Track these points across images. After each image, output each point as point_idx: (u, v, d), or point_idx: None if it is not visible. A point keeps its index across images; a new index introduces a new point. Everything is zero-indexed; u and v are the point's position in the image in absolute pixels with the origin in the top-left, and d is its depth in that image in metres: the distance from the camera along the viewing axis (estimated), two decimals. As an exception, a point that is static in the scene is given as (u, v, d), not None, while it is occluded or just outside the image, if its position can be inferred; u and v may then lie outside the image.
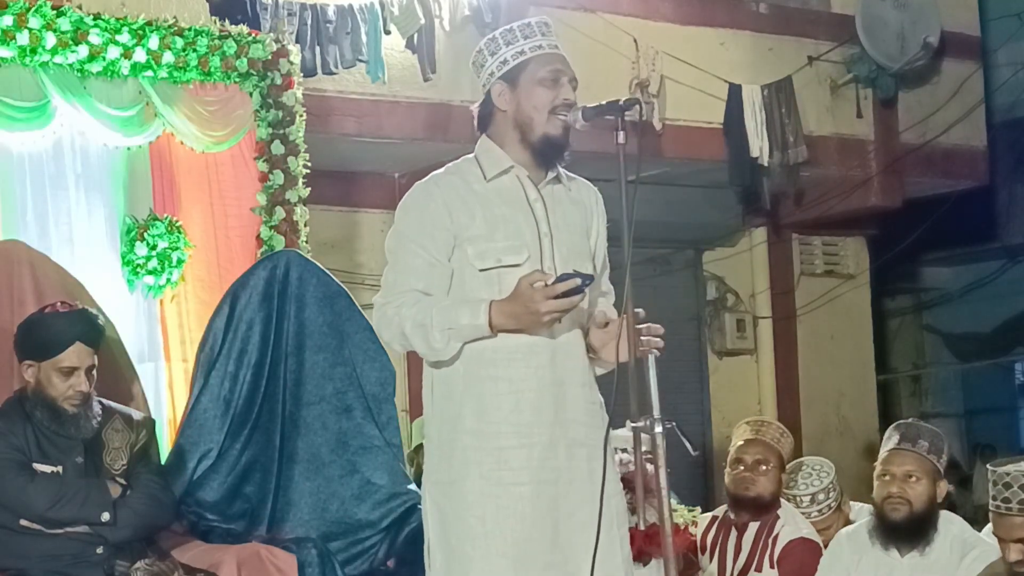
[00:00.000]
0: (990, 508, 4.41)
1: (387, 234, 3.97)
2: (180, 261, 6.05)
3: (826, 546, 5.37)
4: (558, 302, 3.59)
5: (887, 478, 4.90)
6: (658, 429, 3.64)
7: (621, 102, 3.74)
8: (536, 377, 3.76)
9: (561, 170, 3.91)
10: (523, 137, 3.83)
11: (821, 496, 5.67)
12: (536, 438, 3.75)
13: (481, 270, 3.77)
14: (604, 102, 3.79)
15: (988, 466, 4.50)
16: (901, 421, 5.09)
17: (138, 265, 5.96)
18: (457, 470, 3.75)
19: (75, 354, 4.74)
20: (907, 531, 4.86)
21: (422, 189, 3.86)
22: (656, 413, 3.64)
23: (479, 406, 3.75)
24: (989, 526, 5.10)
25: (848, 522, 5.67)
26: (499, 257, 3.76)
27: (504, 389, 3.75)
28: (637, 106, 3.73)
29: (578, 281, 3.58)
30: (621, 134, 3.69)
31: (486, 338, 3.71)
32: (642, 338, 3.68)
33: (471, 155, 3.91)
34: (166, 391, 5.96)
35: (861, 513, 5.69)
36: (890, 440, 4.97)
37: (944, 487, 4.89)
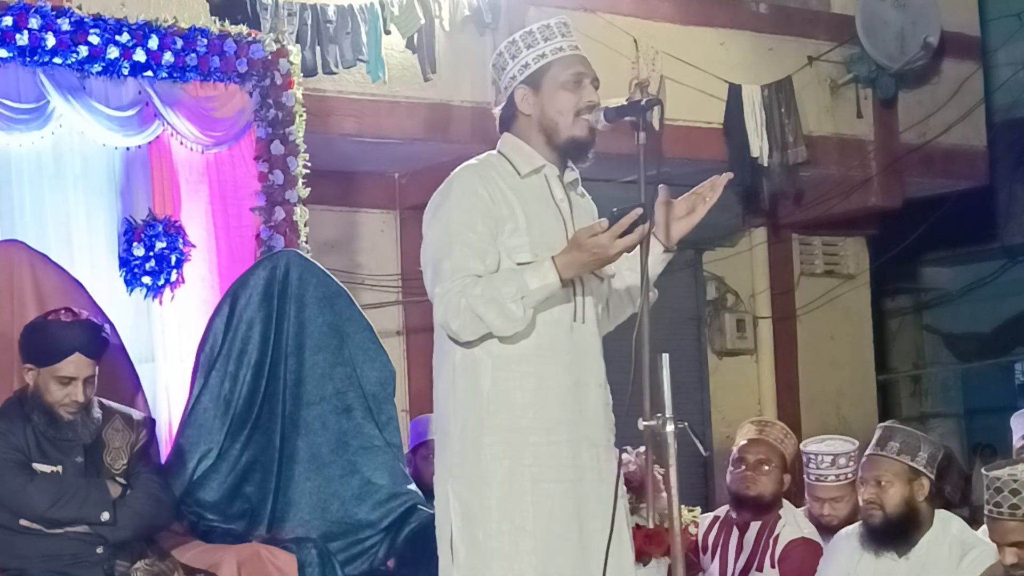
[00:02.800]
0: (984, 513, 4.42)
1: (425, 226, 3.90)
2: (179, 261, 6.04)
3: (837, 522, 5.39)
4: (627, 238, 3.60)
5: (863, 484, 4.93)
6: (670, 428, 3.64)
7: (643, 102, 3.75)
8: (562, 375, 3.79)
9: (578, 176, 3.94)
10: (548, 140, 3.86)
11: (843, 460, 5.59)
12: (562, 436, 3.78)
13: (518, 264, 3.76)
14: (625, 102, 3.81)
15: (982, 471, 4.51)
16: (882, 424, 5.09)
17: (135, 266, 5.95)
18: (485, 466, 3.76)
19: (73, 365, 4.74)
20: (886, 535, 4.87)
21: (461, 178, 3.85)
22: (668, 413, 3.64)
23: (507, 402, 3.76)
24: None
25: (857, 505, 5.68)
26: (536, 251, 3.77)
27: (532, 386, 3.77)
28: (659, 107, 3.74)
29: (640, 210, 3.58)
30: (643, 135, 3.69)
31: (557, 293, 3.70)
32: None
33: (494, 152, 3.92)
34: (163, 391, 5.94)
35: None
36: (870, 444, 4.99)
37: (926, 484, 4.88)
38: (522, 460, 3.75)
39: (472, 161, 3.91)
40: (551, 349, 3.78)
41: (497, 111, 3.96)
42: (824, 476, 5.58)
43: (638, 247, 3.70)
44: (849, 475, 5.60)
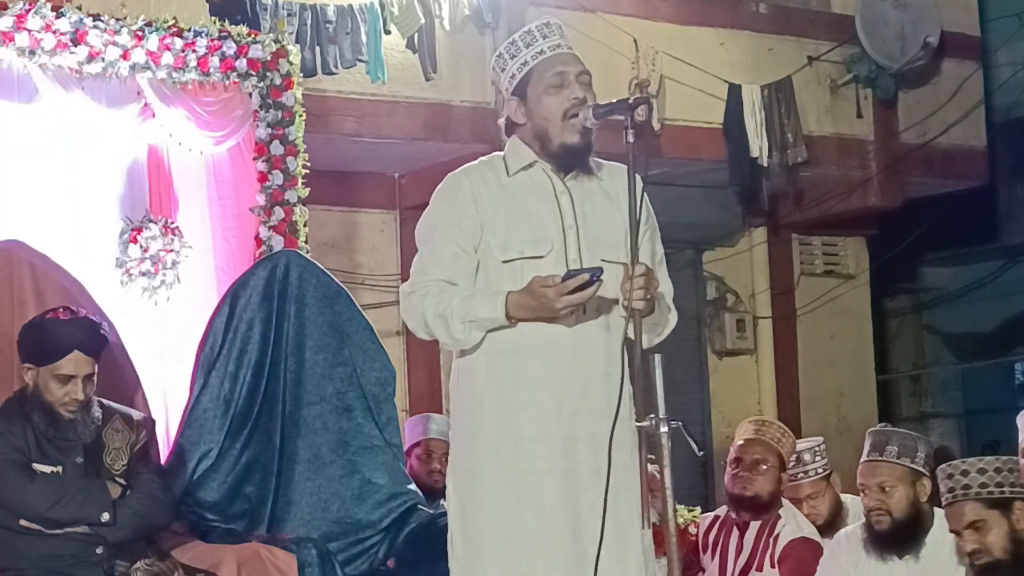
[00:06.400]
0: (943, 506, 4.49)
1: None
2: (175, 263, 6.03)
3: (821, 520, 5.45)
4: (572, 297, 3.61)
5: (865, 491, 4.92)
6: (663, 429, 3.63)
7: (630, 100, 3.73)
8: (558, 370, 3.79)
9: (591, 161, 3.91)
10: (543, 146, 3.86)
11: (807, 457, 5.67)
12: (556, 430, 3.78)
13: (504, 262, 3.81)
14: (614, 100, 3.78)
15: (937, 471, 4.59)
16: (872, 428, 5.09)
17: (131, 267, 5.94)
18: (477, 460, 3.80)
19: (73, 363, 4.73)
20: (895, 539, 4.87)
21: (452, 180, 3.90)
22: (661, 413, 3.64)
23: (499, 397, 3.79)
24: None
25: (838, 500, 5.71)
26: (521, 249, 3.79)
27: (524, 380, 3.78)
28: (645, 105, 3.73)
29: (586, 276, 3.60)
30: (631, 133, 3.68)
31: (508, 327, 3.73)
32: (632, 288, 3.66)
33: (501, 152, 3.95)
34: (163, 391, 5.94)
35: (856, 506, 5.72)
36: (864, 451, 4.99)
37: (927, 485, 4.89)
38: (513, 454, 3.77)
39: (470, 163, 3.95)
40: (547, 343, 3.78)
41: (501, 122, 3.99)
42: (793, 475, 5.63)
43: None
44: (819, 470, 5.68)
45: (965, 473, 4.39)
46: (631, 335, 3.67)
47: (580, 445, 3.79)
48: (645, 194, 3.86)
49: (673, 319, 3.94)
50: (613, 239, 3.87)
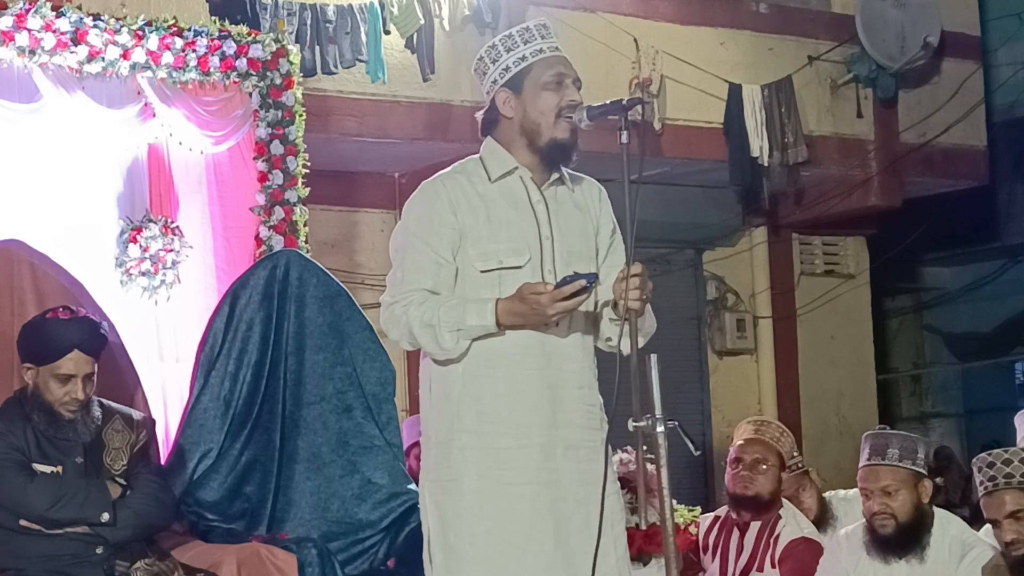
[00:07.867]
0: (980, 495, 4.46)
1: (392, 233, 3.97)
2: (175, 263, 6.02)
3: (811, 516, 5.46)
4: (565, 304, 3.61)
5: (868, 495, 4.91)
6: (660, 429, 3.63)
7: (624, 101, 3.74)
8: (534, 379, 3.78)
9: (564, 171, 3.91)
10: (530, 142, 3.85)
11: None
12: (535, 439, 3.77)
13: (483, 271, 3.79)
14: (608, 101, 3.79)
15: (973, 461, 4.58)
16: (869, 431, 5.08)
17: (131, 267, 5.93)
18: (456, 469, 3.77)
19: (72, 362, 4.73)
20: (900, 542, 4.86)
21: (429, 188, 3.88)
22: (658, 412, 3.64)
23: (478, 406, 3.77)
24: (988, 527, 5.12)
25: (820, 495, 5.75)
26: (501, 259, 3.78)
27: (503, 390, 3.77)
28: (640, 105, 3.73)
29: (583, 283, 3.60)
30: (624, 133, 3.68)
31: (495, 335, 3.71)
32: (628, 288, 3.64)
33: (476, 156, 3.92)
34: (163, 391, 5.94)
35: (837, 502, 5.75)
36: (862, 454, 4.97)
37: (928, 485, 4.89)
38: (492, 464, 3.76)
39: (446, 170, 3.93)
40: (522, 353, 3.77)
41: (479, 115, 3.96)
42: None
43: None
44: (796, 466, 5.66)
45: (1008, 462, 4.40)
46: (626, 336, 3.66)
47: (557, 455, 3.79)
48: (604, 195, 3.94)
49: (653, 323, 3.93)
50: (585, 250, 3.90)
